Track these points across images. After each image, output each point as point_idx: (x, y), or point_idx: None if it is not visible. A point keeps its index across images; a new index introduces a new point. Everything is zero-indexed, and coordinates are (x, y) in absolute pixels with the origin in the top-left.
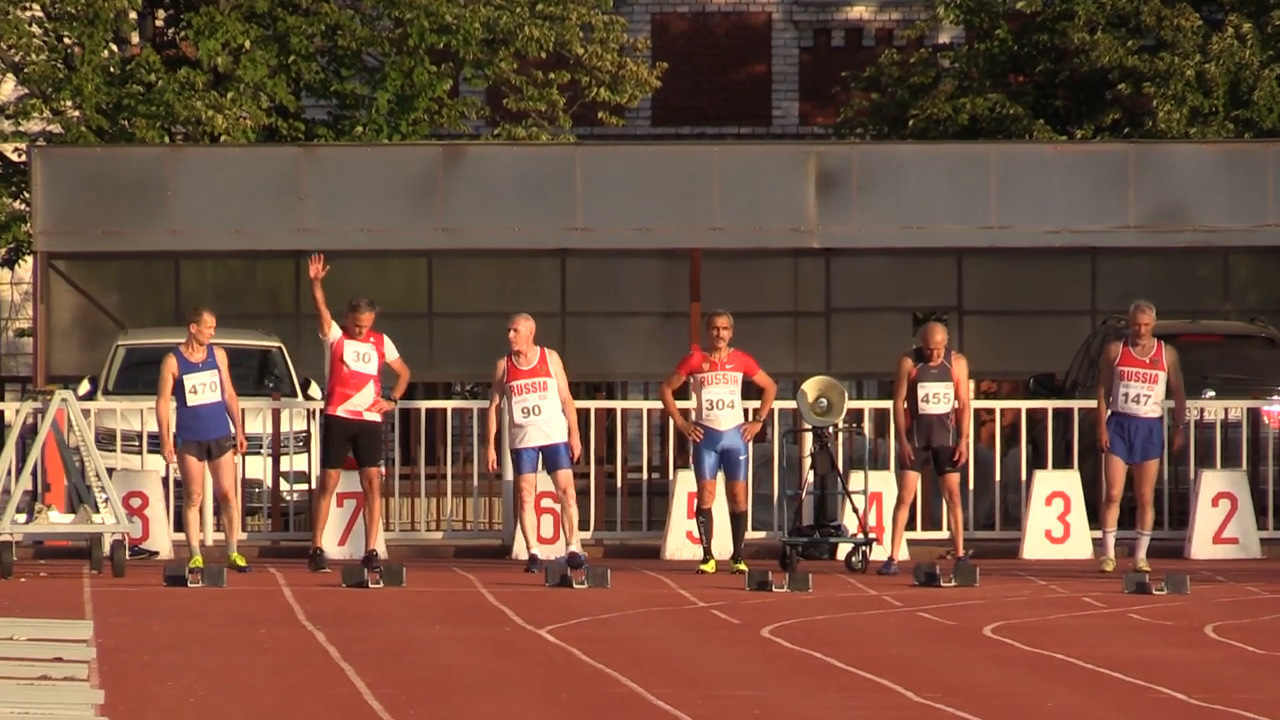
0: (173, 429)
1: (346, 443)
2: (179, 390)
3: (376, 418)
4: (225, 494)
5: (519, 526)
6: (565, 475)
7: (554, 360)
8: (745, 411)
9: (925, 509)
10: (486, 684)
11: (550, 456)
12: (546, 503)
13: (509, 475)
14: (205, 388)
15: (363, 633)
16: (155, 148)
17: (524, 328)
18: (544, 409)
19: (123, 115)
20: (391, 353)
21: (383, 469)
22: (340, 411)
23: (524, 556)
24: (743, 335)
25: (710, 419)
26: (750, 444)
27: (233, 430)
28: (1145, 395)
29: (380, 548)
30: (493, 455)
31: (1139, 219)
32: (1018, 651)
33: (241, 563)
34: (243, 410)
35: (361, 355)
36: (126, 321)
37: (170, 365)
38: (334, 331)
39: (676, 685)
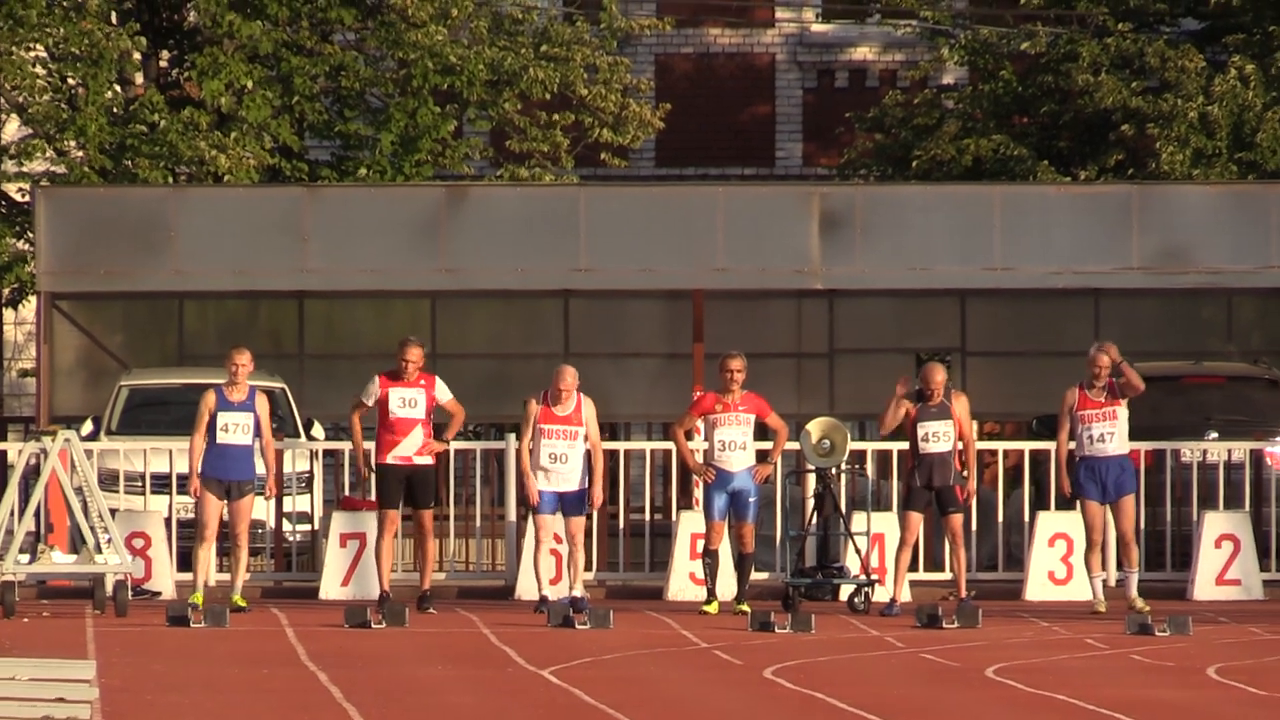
0: (200, 468)
1: (399, 484)
2: (211, 426)
3: (428, 460)
4: (236, 537)
5: (531, 566)
6: (578, 522)
7: (588, 408)
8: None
9: (928, 550)
10: None
11: (569, 502)
12: (551, 544)
13: (512, 516)
14: (237, 429)
15: (365, 673)
16: (159, 188)
17: (571, 378)
18: (570, 457)
19: (126, 155)
20: (444, 394)
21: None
22: (390, 459)
23: (530, 596)
24: (746, 376)
25: (722, 460)
26: (759, 486)
27: (260, 473)
28: (1109, 434)
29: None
30: (533, 486)
31: (1143, 260)
32: (1020, 693)
33: (242, 604)
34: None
35: (407, 401)
36: (130, 362)
37: (208, 400)
38: (374, 390)
39: None
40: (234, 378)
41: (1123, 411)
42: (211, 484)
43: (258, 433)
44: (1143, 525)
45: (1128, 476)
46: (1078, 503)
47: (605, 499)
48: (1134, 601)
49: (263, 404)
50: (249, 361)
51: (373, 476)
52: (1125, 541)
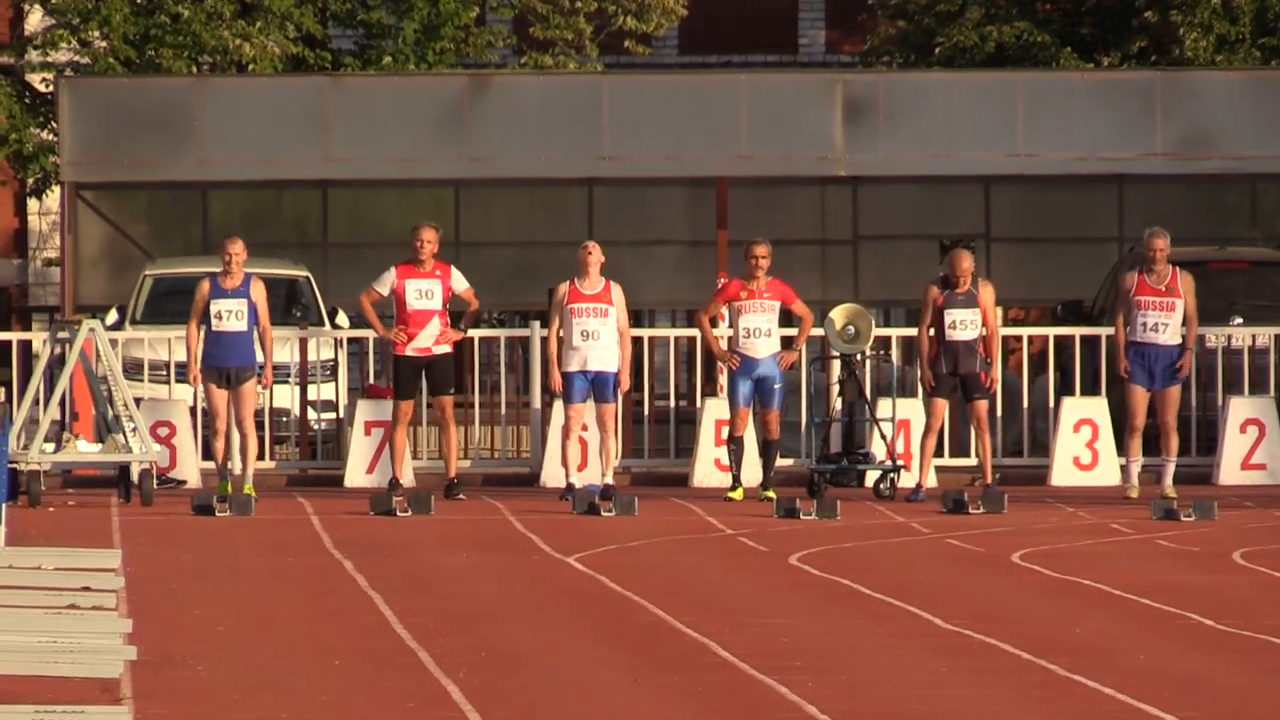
0: (200, 356)
1: (416, 375)
2: (206, 315)
3: (446, 349)
4: (240, 422)
5: (559, 453)
6: (610, 409)
7: (617, 292)
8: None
9: (953, 436)
10: (514, 612)
11: (599, 387)
12: (580, 432)
13: (536, 404)
14: (231, 315)
15: (390, 561)
16: (182, 78)
17: (596, 254)
18: (602, 335)
19: (150, 45)
20: (460, 283)
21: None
22: (408, 351)
23: (555, 484)
24: (771, 263)
25: (747, 347)
26: (784, 372)
27: (259, 361)
28: (1163, 324)
29: (408, 476)
30: (556, 376)
31: (1166, 146)
32: (1045, 578)
33: (252, 494)
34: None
35: (424, 292)
36: (154, 251)
37: (201, 289)
38: (389, 280)
39: (704, 613)
40: (228, 267)
41: (1180, 304)
42: (211, 373)
43: (255, 320)
44: None
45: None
46: (1105, 384)
47: (630, 386)
48: (1166, 490)
49: (259, 290)
50: (242, 250)
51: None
52: (1167, 431)
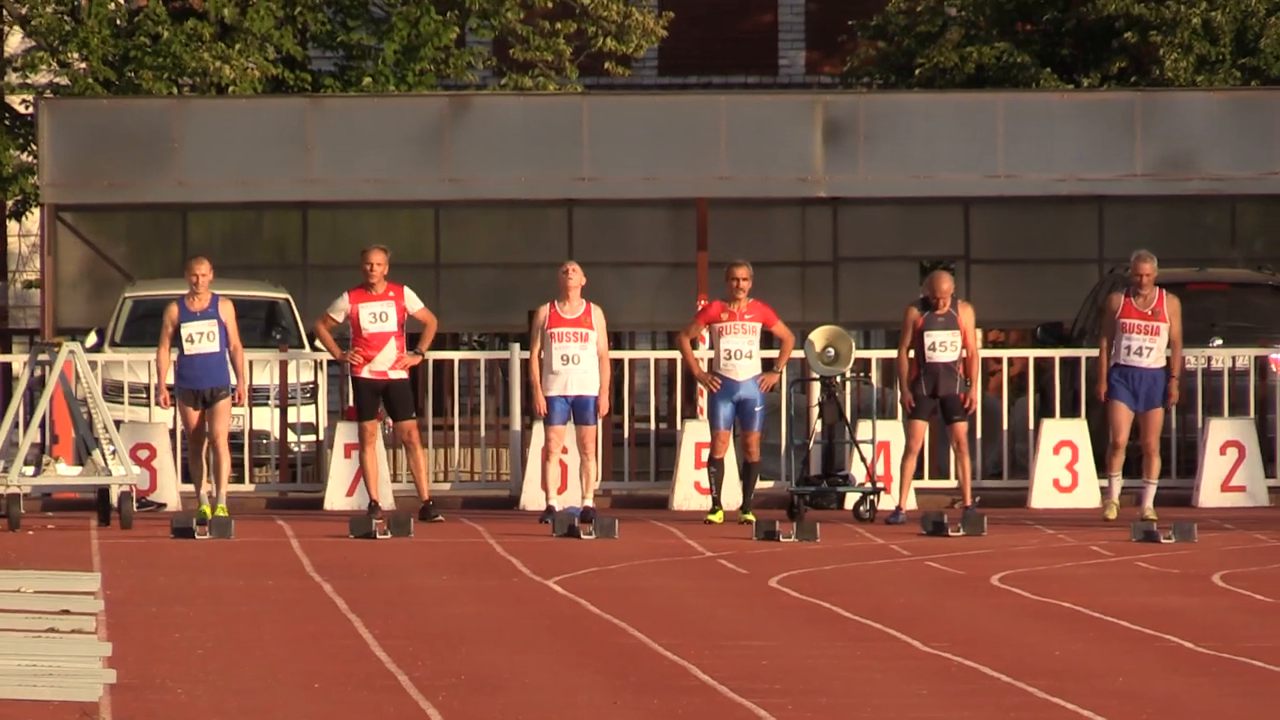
0: (170, 378)
1: (376, 396)
2: (177, 338)
3: (403, 375)
4: (214, 441)
5: (538, 476)
6: (590, 431)
7: (598, 315)
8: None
9: (933, 458)
10: (494, 634)
11: (579, 410)
12: (560, 454)
13: (516, 426)
14: (203, 337)
15: (370, 584)
16: (162, 99)
17: (576, 276)
18: (583, 359)
19: (130, 67)
20: (414, 304)
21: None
22: (365, 374)
23: (535, 507)
24: (752, 284)
25: (728, 369)
26: (765, 395)
27: (233, 381)
28: (1147, 348)
29: (387, 498)
30: (541, 400)
31: (1146, 167)
32: (1025, 600)
33: (224, 515)
34: (250, 363)
35: (378, 315)
36: (134, 273)
37: (170, 313)
38: (342, 307)
39: (683, 635)
40: (195, 288)
41: (1165, 328)
42: (188, 396)
43: (226, 340)
44: None
45: (1160, 390)
46: (1085, 406)
47: (610, 409)
48: (1146, 512)
49: (227, 310)
50: (208, 271)
51: (350, 384)
52: (1149, 453)
